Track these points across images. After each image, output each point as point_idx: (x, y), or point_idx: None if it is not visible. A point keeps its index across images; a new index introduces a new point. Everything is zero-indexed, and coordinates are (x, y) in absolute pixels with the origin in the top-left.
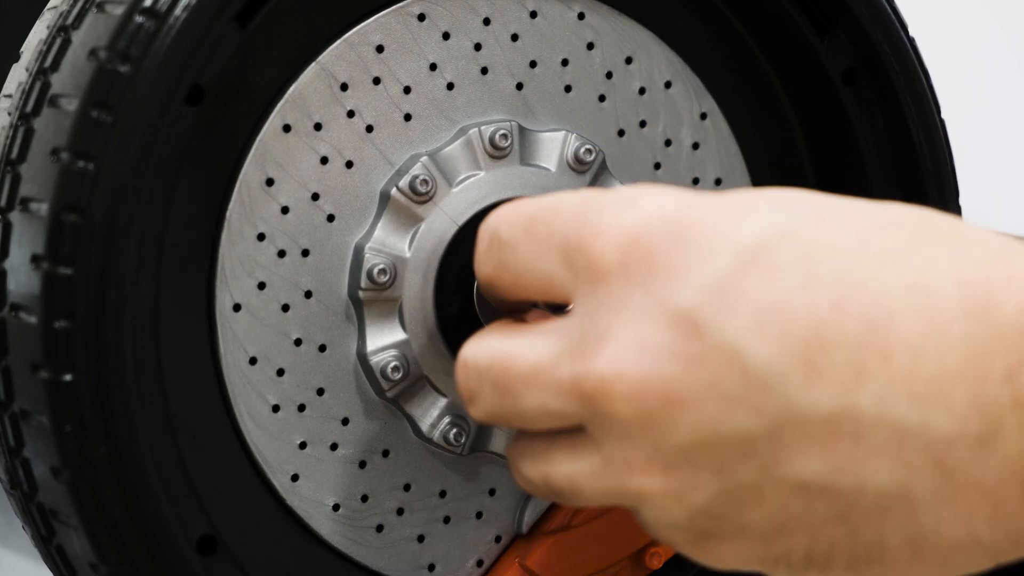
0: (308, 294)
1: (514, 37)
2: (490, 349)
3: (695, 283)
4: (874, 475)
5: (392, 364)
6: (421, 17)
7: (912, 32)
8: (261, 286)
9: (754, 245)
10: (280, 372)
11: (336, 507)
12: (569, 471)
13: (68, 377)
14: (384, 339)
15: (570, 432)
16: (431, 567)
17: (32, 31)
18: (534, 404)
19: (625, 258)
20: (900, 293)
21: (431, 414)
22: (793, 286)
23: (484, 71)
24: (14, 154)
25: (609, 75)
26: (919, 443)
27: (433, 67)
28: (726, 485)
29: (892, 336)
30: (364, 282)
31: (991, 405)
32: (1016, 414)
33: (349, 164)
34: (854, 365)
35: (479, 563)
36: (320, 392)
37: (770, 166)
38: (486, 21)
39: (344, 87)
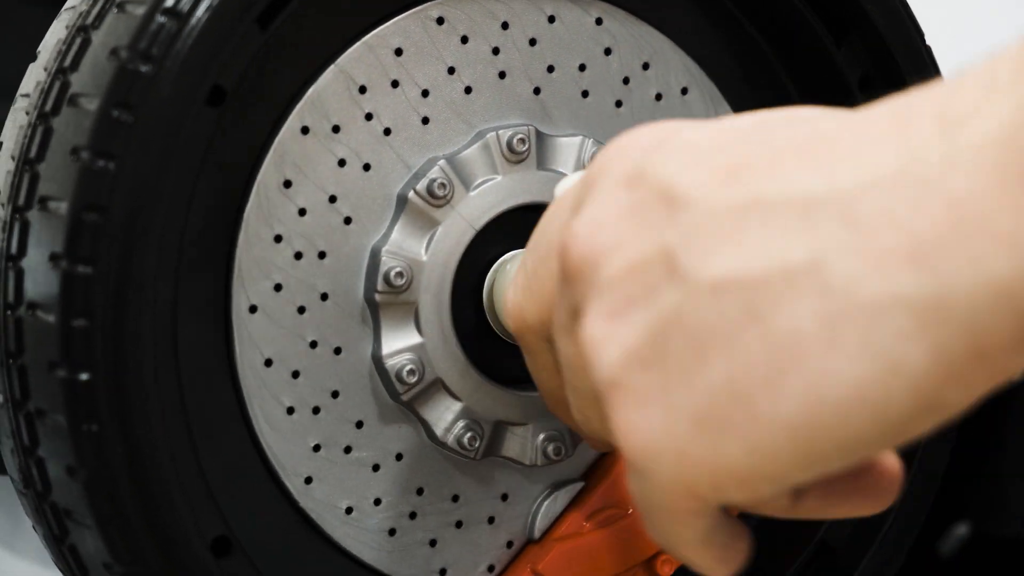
0: (324, 296)
1: (532, 42)
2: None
3: (648, 150)
4: (782, 252)
5: (407, 367)
6: (440, 21)
7: (928, 39)
8: (277, 288)
9: (684, 127)
10: (295, 374)
11: (349, 510)
12: (563, 354)
13: (85, 376)
14: (400, 342)
15: None
16: (443, 572)
17: (49, 31)
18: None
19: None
20: (826, 115)
21: (445, 418)
22: (725, 127)
23: (502, 75)
24: (32, 153)
25: (626, 81)
26: (827, 207)
27: (451, 71)
28: (653, 315)
29: (815, 137)
30: (380, 285)
31: (920, 148)
32: (955, 151)
33: (367, 167)
34: (770, 168)
35: (491, 568)
36: (335, 395)
37: None
38: (504, 25)
39: (362, 90)
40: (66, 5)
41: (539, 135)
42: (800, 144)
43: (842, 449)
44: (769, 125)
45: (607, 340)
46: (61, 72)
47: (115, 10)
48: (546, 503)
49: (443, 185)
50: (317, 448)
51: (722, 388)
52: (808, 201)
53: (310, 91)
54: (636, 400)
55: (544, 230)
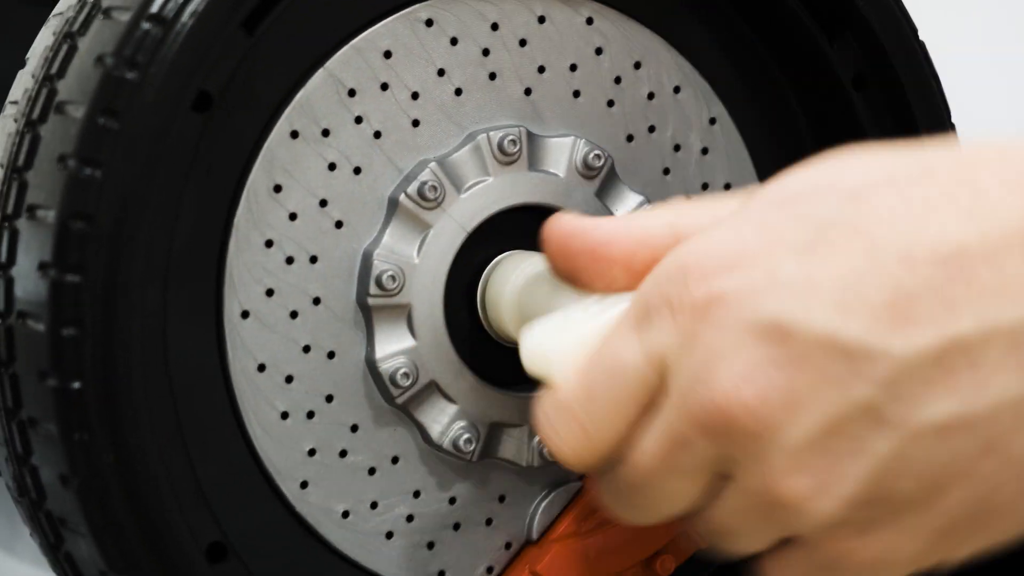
0: (316, 301)
1: (522, 42)
2: (614, 477)
3: (766, 293)
4: (1004, 390)
5: (401, 371)
6: (429, 22)
7: (922, 36)
8: (269, 293)
9: (801, 243)
10: (289, 379)
11: (346, 514)
12: (720, 517)
13: (76, 385)
14: (393, 346)
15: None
16: (441, 574)
17: (38, 37)
18: (673, 485)
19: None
20: (960, 223)
21: (440, 421)
22: (857, 260)
23: (492, 76)
24: (21, 161)
25: (618, 80)
26: None
27: (441, 73)
28: (869, 465)
29: (968, 260)
30: (373, 288)
31: None
32: None
33: (357, 170)
34: (942, 301)
35: (489, 570)
36: (329, 399)
37: (779, 171)
38: (494, 26)
39: (352, 93)
40: (54, 11)
41: (530, 136)
42: (949, 272)
43: None
44: (872, 234)
45: (820, 493)
46: (48, 79)
47: (101, 16)
48: (544, 504)
49: (434, 187)
50: (312, 452)
51: (964, 510)
52: (1011, 337)
53: (299, 95)
54: (868, 532)
55: (604, 365)
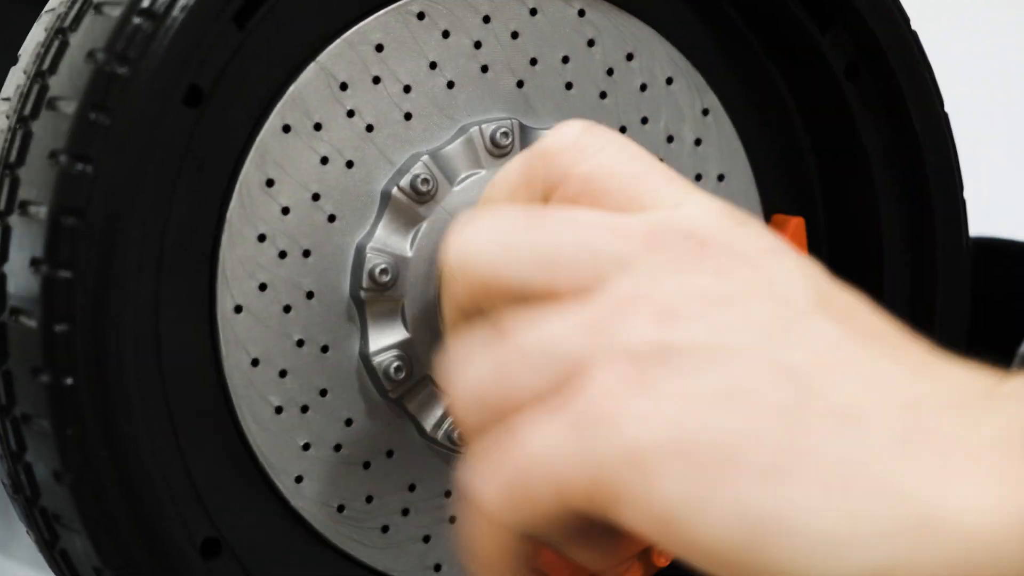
0: (310, 295)
1: (514, 35)
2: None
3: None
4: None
5: (395, 364)
6: (420, 16)
7: (914, 25)
8: (262, 287)
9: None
10: (282, 373)
11: (341, 508)
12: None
13: (69, 381)
14: (387, 339)
15: None
16: (437, 567)
17: (30, 34)
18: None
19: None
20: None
21: (435, 414)
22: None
23: (484, 69)
24: (12, 157)
25: (610, 72)
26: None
27: (433, 66)
28: None
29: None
30: (366, 282)
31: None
32: None
33: (350, 164)
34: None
35: None
36: (323, 393)
37: (772, 162)
38: (486, 19)
39: (344, 87)
40: (46, 8)
41: (523, 128)
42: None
43: None
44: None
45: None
46: (40, 75)
47: (92, 12)
48: None
49: (426, 181)
50: (307, 447)
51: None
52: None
53: (291, 89)
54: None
55: None
